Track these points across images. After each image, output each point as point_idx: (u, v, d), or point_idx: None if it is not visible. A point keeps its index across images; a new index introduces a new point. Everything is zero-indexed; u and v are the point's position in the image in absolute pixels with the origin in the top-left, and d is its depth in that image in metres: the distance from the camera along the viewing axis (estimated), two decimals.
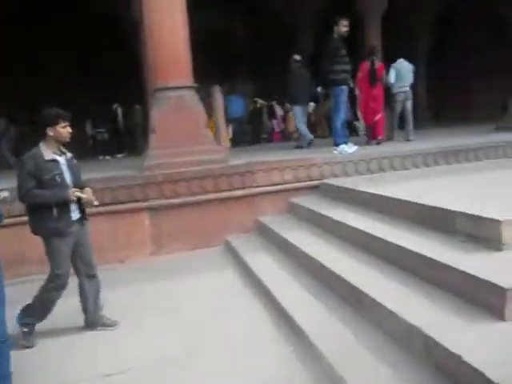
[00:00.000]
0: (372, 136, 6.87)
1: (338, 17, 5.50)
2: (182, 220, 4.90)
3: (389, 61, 7.21)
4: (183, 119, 5.02)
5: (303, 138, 7.16)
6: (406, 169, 5.23)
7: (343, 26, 5.44)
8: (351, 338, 2.44)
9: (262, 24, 14.76)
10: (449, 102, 22.50)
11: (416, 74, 7.25)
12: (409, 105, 7.14)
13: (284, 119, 11.70)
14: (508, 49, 10.95)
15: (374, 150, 5.57)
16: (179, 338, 2.92)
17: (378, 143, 6.65)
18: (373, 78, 6.56)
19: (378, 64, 6.81)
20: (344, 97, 5.47)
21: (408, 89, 7.05)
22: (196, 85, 5.25)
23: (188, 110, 5.09)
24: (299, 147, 6.96)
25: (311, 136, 7.13)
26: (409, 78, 7.05)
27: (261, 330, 2.91)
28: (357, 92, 7.26)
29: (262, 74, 12.64)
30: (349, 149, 5.35)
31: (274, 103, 11.88)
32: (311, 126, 9.06)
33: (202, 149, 5.01)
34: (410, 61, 7.10)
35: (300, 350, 2.56)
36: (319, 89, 5.86)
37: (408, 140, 6.94)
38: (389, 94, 6.97)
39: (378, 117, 6.67)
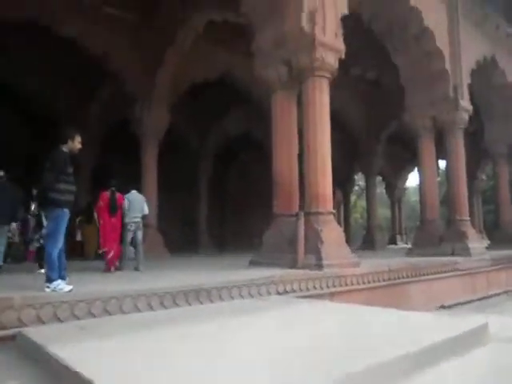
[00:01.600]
0: (107, 266, 6.68)
1: (74, 131, 4.76)
2: None
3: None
4: None
5: None
6: (139, 311, 4.38)
7: (78, 143, 4.73)
8: None
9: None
10: (231, 230, 23.98)
11: (148, 204, 7.72)
12: (139, 235, 7.38)
13: None
14: None
15: (100, 288, 4.59)
16: None
17: (109, 271, 6.62)
18: (113, 207, 6.71)
19: (118, 194, 7.04)
20: (64, 221, 4.49)
21: (139, 219, 7.30)
22: None
23: None
24: None
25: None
26: (141, 209, 7.33)
27: None
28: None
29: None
30: (65, 286, 4.24)
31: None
32: None
33: None
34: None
35: None
36: (33, 207, 4.81)
37: (137, 270, 6.98)
38: (123, 224, 7.02)
39: (115, 247, 6.39)
